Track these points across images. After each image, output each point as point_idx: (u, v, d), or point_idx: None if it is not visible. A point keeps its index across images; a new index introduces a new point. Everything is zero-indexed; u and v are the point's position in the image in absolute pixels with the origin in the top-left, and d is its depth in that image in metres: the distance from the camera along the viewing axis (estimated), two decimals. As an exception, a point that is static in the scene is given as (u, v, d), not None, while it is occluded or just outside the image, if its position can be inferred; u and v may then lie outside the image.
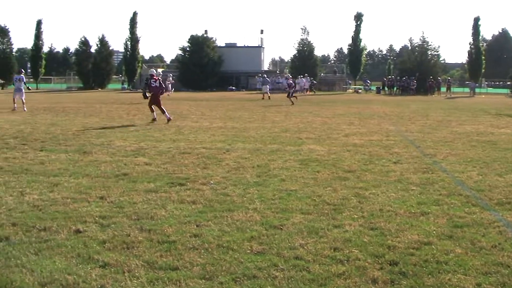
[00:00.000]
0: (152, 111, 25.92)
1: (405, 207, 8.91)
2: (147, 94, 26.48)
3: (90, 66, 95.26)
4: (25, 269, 6.12)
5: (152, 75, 26.74)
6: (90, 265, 6.25)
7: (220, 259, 6.37)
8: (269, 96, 51.94)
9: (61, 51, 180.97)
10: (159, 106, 25.67)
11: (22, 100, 33.34)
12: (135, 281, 5.76)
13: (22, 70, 37.59)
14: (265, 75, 66.99)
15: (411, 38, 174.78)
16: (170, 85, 46.17)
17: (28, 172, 12.03)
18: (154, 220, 8.12)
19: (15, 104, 33.10)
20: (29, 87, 35.87)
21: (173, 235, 7.34)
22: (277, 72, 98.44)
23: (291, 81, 46.25)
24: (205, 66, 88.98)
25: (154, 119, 25.49)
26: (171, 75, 72.74)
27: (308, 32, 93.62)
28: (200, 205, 8.97)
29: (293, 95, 43.50)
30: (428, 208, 8.82)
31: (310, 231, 7.49)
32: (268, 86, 57.75)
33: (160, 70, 49.00)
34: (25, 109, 32.55)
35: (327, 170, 12.15)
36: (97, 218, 8.20)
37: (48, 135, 19.14)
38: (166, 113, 25.37)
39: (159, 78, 26.31)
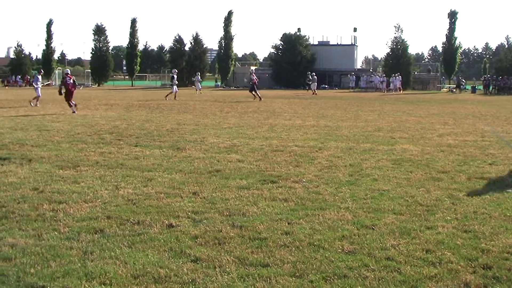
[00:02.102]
0: (70, 106, 29.15)
1: (500, 210, 8.70)
2: (62, 91, 29.35)
3: (184, 64, 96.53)
4: (119, 261, 6.28)
5: (67, 74, 30.61)
6: (182, 259, 6.36)
7: (311, 258, 6.38)
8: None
9: (155, 49, 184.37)
10: (69, 100, 29.06)
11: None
12: (226, 277, 5.83)
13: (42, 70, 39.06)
14: (313, 73, 68.57)
15: (508, 36, 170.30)
16: (175, 86, 47.01)
17: (123, 166, 12.32)
18: (245, 216, 8.19)
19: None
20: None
21: (265, 232, 7.39)
22: (370, 70, 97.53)
23: (254, 77, 46.74)
24: (298, 64, 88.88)
25: (73, 112, 28.65)
26: (252, 69, 73.65)
27: (401, 30, 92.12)
28: (292, 203, 9.00)
29: (255, 92, 44.77)
30: (524, 212, 8.60)
31: (402, 232, 7.42)
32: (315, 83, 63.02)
33: (253, 67, 49.68)
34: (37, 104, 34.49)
35: (421, 171, 11.98)
36: (189, 213, 8.33)
37: (143, 131, 19.54)
38: (73, 107, 29.00)
39: (73, 76, 30.65)
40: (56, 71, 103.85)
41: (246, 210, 8.53)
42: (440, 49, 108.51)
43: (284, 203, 9.01)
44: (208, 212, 8.43)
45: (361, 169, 12.08)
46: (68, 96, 29.06)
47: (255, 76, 46.87)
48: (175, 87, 45.31)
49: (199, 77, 63.42)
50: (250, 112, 30.48)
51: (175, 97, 44.30)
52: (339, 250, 6.64)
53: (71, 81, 29.48)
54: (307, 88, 67.19)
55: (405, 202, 9.09)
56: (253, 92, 44.62)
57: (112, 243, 6.91)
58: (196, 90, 61.01)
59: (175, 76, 46.69)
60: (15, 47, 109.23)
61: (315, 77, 65.35)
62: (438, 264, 6.22)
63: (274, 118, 26.38)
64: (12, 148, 14.96)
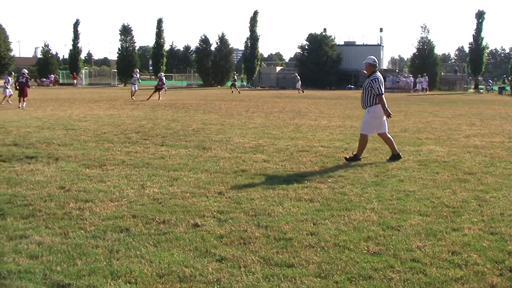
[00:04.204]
0: (20, 101, 33.20)
1: (528, 212, 8.63)
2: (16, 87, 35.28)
3: (210, 64, 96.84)
4: (144, 259, 6.30)
5: (23, 73, 35.93)
6: (207, 258, 6.37)
7: (336, 258, 6.36)
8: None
9: (181, 49, 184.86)
10: (24, 96, 33.60)
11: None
12: (251, 277, 5.83)
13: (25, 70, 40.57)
14: (296, 74, 76.30)
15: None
16: (165, 87, 48.27)
17: (149, 166, 12.38)
18: (271, 216, 8.19)
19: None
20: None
21: (290, 232, 7.39)
22: (397, 70, 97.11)
23: (162, 76, 47.34)
24: (323, 65, 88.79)
25: (19, 107, 32.14)
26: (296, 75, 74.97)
27: (428, 30, 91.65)
28: (317, 203, 8.99)
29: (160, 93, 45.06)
30: (552, 214, 8.52)
31: (428, 234, 7.38)
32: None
33: (278, 68, 50.28)
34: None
35: (447, 172, 11.91)
36: (215, 213, 8.35)
37: (169, 131, 19.62)
38: (24, 103, 33.02)
39: (27, 76, 35.95)
40: (83, 71, 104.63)
41: (271, 210, 8.53)
42: (466, 49, 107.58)
43: (310, 203, 9.00)
44: (234, 212, 8.45)
45: (387, 170, 12.04)
46: (21, 93, 33.67)
47: (163, 75, 48.19)
48: (135, 86, 45.41)
49: (236, 77, 65.59)
50: (276, 112, 30.47)
51: (132, 95, 44.40)
52: (365, 251, 6.62)
53: (24, 79, 35.02)
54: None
55: (431, 204, 9.03)
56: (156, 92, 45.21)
57: (138, 242, 6.95)
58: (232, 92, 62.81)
59: (135, 76, 46.63)
60: (42, 47, 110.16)
61: (298, 77, 73.12)
62: (464, 266, 6.17)
63: (299, 118, 26.36)
64: (39, 147, 15.09)
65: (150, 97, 43.41)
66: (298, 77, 73.16)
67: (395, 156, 13.45)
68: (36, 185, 10.19)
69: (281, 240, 7.06)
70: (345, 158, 13.40)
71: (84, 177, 11.00)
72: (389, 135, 13.76)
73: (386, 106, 13.40)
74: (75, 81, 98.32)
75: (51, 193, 9.60)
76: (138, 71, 48.35)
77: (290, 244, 6.86)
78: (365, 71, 14.01)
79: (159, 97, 43.76)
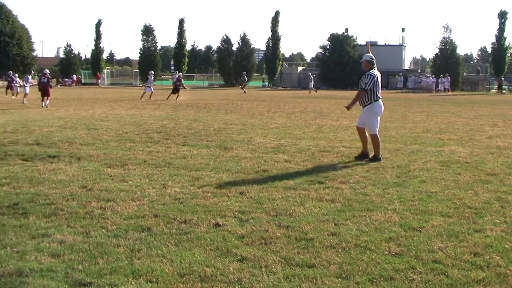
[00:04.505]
0: (43, 101, 33.38)
1: (552, 213, 8.56)
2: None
3: (232, 64, 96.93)
4: (165, 259, 6.32)
5: (45, 74, 36.04)
6: (228, 258, 6.37)
7: (357, 259, 6.34)
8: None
9: (203, 49, 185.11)
10: (47, 95, 33.61)
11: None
12: (272, 277, 5.83)
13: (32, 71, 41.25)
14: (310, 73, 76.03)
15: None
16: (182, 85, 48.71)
17: (171, 165, 12.41)
18: (292, 217, 8.18)
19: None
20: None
21: (311, 232, 7.37)
22: (419, 71, 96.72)
23: (178, 75, 46.87)
24: (345, 65, 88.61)
25: (43, 106, 32.53)
26: (309, 74, 74.66)
27: (450, 30, 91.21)
28: (338, 204, 8.96)
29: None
30: None
31: (450, 235, 7.34)
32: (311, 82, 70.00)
33: (300, 68, 50.38)
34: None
35: (469, 173, 11.83)
36: (236, 213, 8.35)
37: (190, 131, 19.66)
38: (48, 102, 33.41)
39: (49, 76, 35.84)
40: (105, 71, 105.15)
41: (292, 210, 8.52)
42: (489, 49, 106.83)
43: (331, 203, 8.98)
44: (255, 212, 8.45)
45: (408, 171, 11.99)
46: (44, 93, 33.71)
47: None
48: (150, 88, 45.37)
49: (246, 77, 65.38)
50: (297, 112, 30.46)
51: (150, 96, 44.13)
52: (386, 252, 6.60)
53: (45, 80, 34.78)
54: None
55: (453, 205, 8.98)
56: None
57: (159, 241, 6.96)
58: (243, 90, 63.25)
59: (150, 78, 46.56)
60: (64, 47, 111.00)
61: (312, 76, 72.82)
62: (486, 267, 6.13)
63: (321, 118, 26.33)
64: (61, 146, 15.18)
65: (168, 97, 43.41)
66: (312, 76, 72.84)
67: (364, 155, 13.57)
68: (58, 184, 10.25)
69: (302, 240, 7.05)
70: (367, 160, 13.39)
71: (106, 177, 11.05)
72: (367, 134, 13.81)
73: (355, 102, 13.88)
74: (99, 81, 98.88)
75: (73, 192, 9.66)
76: (153, 73, 48.33)
77: (311, 245, 6.85)
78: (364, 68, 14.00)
79: (177, 96, 43.48)
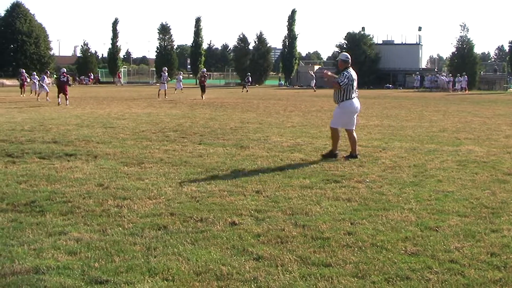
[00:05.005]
0: (58, 97, 34.24)
1: None
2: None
3: (248, 63, 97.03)
4: (181, 257, 6.32)
5: (62, 73, 36.40)
6: (244, 257, 6.38)
7: (373, 258, 6.33)
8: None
9: (219, 47, 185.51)
10: (65, 94, 34.13)
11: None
12: (288, 276, 5.82)
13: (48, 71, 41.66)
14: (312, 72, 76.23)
15: None
16: (180, 82, 49.25)
17: (187, 164, 12.43)
18: (308, 216, 8.17)
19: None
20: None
21: (327, 231, 7.36)
22: (435, 70, 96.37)
23: (203, 72, 47.05)
24: (362, 64, 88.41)
25: (58, 103, 33.55)
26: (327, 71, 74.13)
27: (467, 29, 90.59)
28: (355, 203, 8.94)
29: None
30: None
31: (467, 235, 7.30)
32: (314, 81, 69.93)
33: (316, 67, 50.19)
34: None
35: (486, 172, 11.76)
36: (252, 212, 8.35)
37: (207, 129, 19.69)
38: (67, 101, 34.00)
39: (67, 75, 36.37)
40: (122, 69, 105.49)
41: (309, 209, 8.51)
42: (506, 48, 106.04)
43: (347, 203, 8.96)
44: (271, 210, 8.44)
45: (425, 170, 11.94)
46: (62, 91, 34.39)
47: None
48: (165, 85, 45.41)
49: (250, 78, 66.88)
50: (314, 111, 30.43)
51: (165, 95, 44.34)
52: (402, 252, 6.58)
53: (65, 79, 35.32)
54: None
55: (469, 204, 8.94)
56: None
57: (175, 239, 6.98)
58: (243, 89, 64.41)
59: (164, 75, 46.52)
60: (81, 45, 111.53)
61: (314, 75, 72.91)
62: (503, 268, 6.10)
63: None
64: (78, 145, 15.25)
65: (203, 95, 43.06)
66: (314, 75, 72.75)
67: (352, 156, 13.61)
68: (75, 182, 10.30)
69: (318, 239, 7.04)
70: (322, 155, 13.69)
71: (122, 175, 11.09)
72: (354, 134, 13.93)
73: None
74: (120, 79, 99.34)
75: (90, 190, 9.70)
76: (166, 69, 48.37)
77: (327, 244, 6.84)
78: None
79: (203, 94, 43.22)
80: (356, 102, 13.89)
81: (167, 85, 45.42)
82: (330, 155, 13.51)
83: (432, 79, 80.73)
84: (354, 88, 13.78)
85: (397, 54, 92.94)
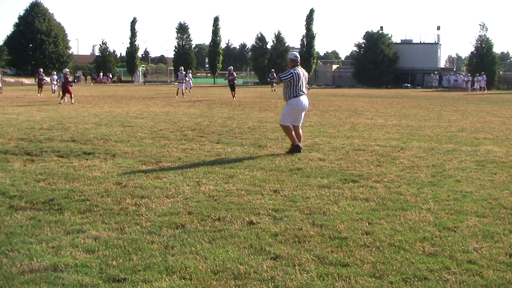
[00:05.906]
0: (63, 97, 35.03)
1: None
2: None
3: (266, 62, 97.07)
4: (199, 256, 6.32)
5: (65, 74, 36.75)
6: (261, 256, 6.37)
7: (391, 258, 6.30)
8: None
9: (237, 47, 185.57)
10: (70, 93, 34.59)
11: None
12: (305, 275, 5.81)
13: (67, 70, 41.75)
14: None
15: None
16: (190, 81, 49.24)
17: (205, 163, 12.44)
18: (326, 215, 8.16)
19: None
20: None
21: (345, 231, 7.34)
22: (454, 69, 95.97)
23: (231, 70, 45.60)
24: (380, 63, 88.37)
25: (60, 103, 33.81)
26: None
27: (486, 29, 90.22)
28: (373, 203, 8.92)
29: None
30: None
31: (485, 235, 7.25)
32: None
33: (335, 66, 49.69)
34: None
35: (505, 173, 11.69)
36: (270, 211, 8.34)
37: (225, 128, 19.71)
38: (73, 100, 34.51)
39: (67, 75, 36.32)
40: (140, 68, 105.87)
41: (326, 209, 8.49)
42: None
43: (365, 202, 8.93)
44: (289, 210, 8.43)
45: (443, 170, 11.89)
46: (66, 90, 34.91)
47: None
48: (182, 84, 45.67)
49: (274, 74, 66.82)
50: (332, 110, 30.39)
51: (182, 93, 44.48)
52: (420, 252, 6.54)
53: (70, 79, 36.41)
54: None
55: (488, 205, 8.88)
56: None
57: (193, 238, 6.98)
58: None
59: (181, 74, 46.45)
60: (100, 44, 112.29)
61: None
62: (522, 269, 6.06)
63: (356, 117, 26.22)
64: (96, 143, 15.31)
65: (234, 96, 42.50)
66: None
67: (295, 148, 14.07)
68: (93, 181, 10.34)
69: (336, 239, 7.02)
70: (286, 153, 13.98)
71: (140, 174, 11.12)
72: (300, 131, 14.44)
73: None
74: (146, 77, 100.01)
75: (108, 188, 9.73)
76: (183, 68, 48.39)
77: (345, 243, 6.82)
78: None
79: (234, 94, 42.56)
80: (304, 99, 14.19)
81: (184, 85, 45.54)
82: (294, 150, 13.97)
83: (451, 79, 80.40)
84: (302, 86, 14.13)
85: (416, 53, 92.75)
